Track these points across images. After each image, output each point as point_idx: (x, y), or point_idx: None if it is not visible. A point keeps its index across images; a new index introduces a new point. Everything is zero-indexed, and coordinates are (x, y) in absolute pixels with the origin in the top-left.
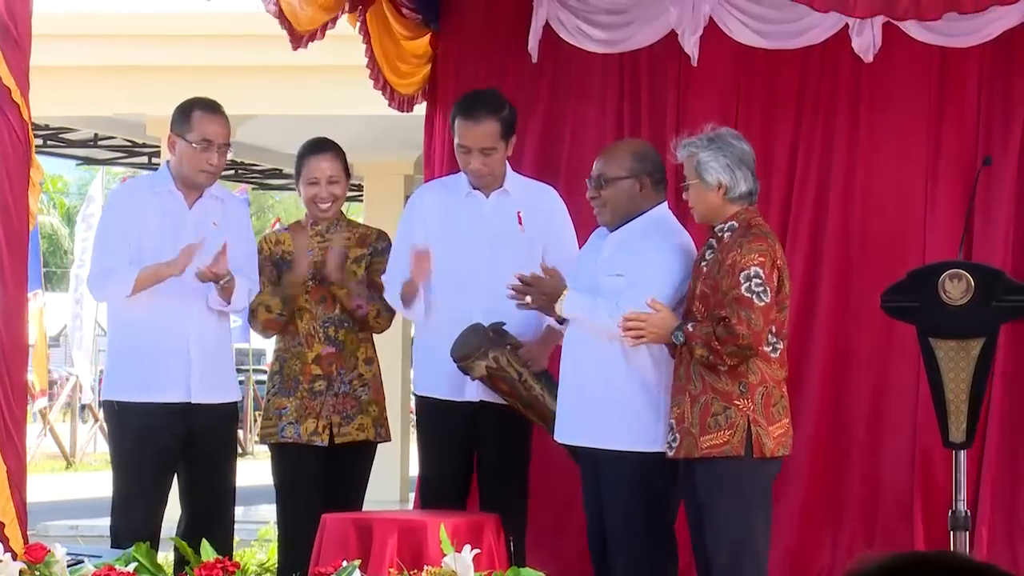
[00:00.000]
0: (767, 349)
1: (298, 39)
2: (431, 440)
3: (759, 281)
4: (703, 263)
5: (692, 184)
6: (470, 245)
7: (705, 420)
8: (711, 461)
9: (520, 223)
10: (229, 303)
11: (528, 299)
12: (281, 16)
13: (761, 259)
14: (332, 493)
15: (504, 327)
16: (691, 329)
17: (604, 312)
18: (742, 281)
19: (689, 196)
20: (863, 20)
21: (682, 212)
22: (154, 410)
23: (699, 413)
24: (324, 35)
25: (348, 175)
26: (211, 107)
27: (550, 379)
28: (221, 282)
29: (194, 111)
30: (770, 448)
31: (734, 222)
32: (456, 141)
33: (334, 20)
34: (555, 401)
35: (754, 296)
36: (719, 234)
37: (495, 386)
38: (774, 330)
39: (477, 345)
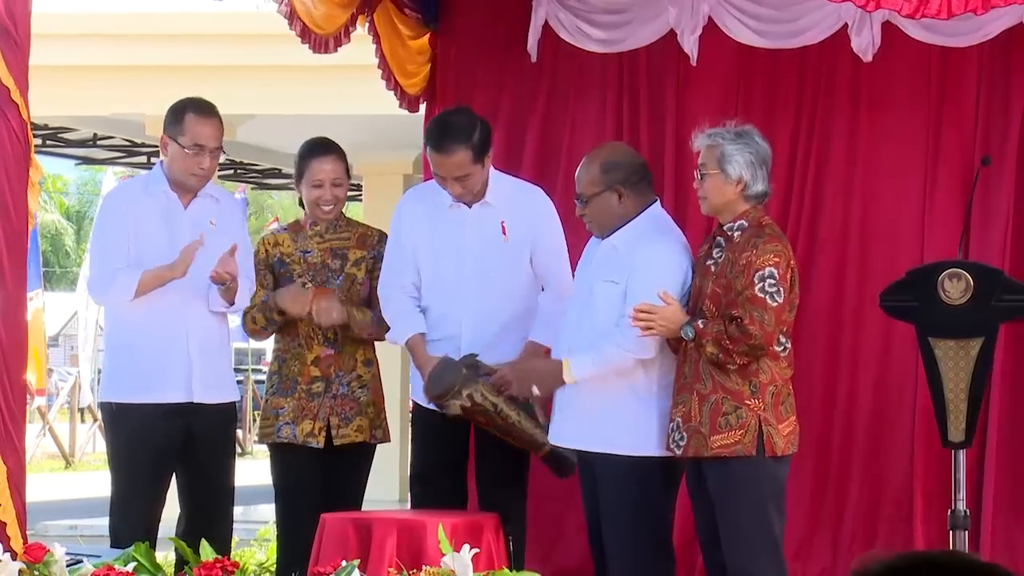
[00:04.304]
0: (777, 349)
1: (323, 43)
2: (429, 439)
3: (773, 282)
4: (710, 262)
5: (711, 174)
6: (455, 257)
7: (715, 420)
8: (724, 461)
9: (504, 233)
10: (233, 304)
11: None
12: (296, 19)
13: (776, 259)
14: (330, 494)
15: (477, 358)
16: (702, 326)
17: (611, 352)
18: (756, 281)
19: (703, 185)
20: (862, 19)
21: (680, 213)
22: (153, 410)
23: (709, 412)
24: (350, 38)
25: (349, 176)
26: (204, 109)
27: (526, 402)
28: (227, 283)
29: (187, 113)
30: (780, 447)
31: (743, 221)
32: (432, 168)
33: (353, 20)
34: (532, 423)
35: (767, 296)
36: (728, 232)
37: (473, 420)
38: (784, 330)
39: (451, 384)
